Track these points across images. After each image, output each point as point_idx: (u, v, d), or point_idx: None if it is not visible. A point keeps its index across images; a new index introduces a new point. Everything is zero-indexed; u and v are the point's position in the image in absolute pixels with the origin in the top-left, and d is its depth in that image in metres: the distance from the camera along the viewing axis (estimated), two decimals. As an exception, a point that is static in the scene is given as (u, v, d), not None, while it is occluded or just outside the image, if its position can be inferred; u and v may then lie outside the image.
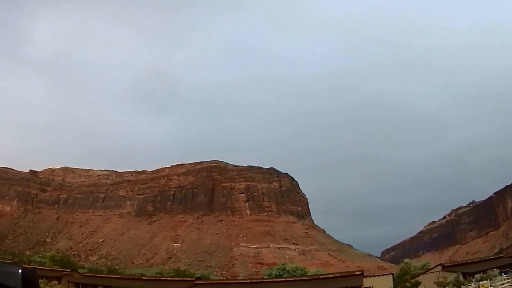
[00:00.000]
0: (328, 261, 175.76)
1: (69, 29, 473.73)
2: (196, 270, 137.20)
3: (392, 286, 69.93)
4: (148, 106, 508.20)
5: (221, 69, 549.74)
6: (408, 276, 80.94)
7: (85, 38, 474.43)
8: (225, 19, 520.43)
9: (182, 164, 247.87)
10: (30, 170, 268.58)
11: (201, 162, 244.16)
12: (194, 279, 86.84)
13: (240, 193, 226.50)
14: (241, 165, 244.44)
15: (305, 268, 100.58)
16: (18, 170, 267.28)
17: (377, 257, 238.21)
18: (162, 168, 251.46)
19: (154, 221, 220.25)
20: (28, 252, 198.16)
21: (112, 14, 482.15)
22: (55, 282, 72.52)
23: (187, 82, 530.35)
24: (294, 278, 77.24)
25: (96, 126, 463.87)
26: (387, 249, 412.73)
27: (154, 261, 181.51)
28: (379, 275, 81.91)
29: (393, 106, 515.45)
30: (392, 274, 79.71)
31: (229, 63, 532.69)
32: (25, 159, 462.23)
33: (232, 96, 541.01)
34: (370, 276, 75.58)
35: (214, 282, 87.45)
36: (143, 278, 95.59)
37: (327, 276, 77.41)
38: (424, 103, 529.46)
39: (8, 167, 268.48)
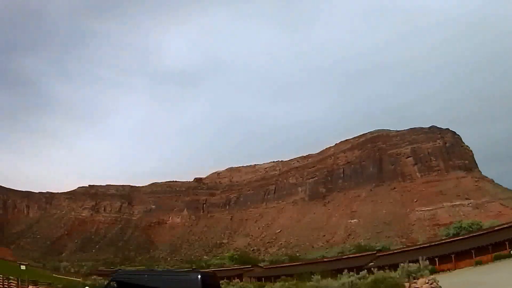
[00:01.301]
0: (500, 212, 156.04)
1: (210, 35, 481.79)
2: (376, 243, 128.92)
3: None
4: (302, 93, 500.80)
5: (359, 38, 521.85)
6: None
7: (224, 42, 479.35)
8: None
9: (346, 140, 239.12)
10: (195, 178, 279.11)
11: (364, 134, 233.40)
12: (375, 252, 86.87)
13: (407, 158, 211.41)
14: (402, 129, 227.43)
15: (480, 222, 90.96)
16: (183, 181, 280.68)
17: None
18: (326, 148, 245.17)
19: (328, 201, 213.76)
20: (205, 256, 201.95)
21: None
22: (236, 280, 72.68)
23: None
24: (470, 235, 72.18)
25: (254, 121, 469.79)
26: None
27: (334, 241, 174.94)
28: None
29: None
30: None
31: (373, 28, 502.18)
32: (188, 170, 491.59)
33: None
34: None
35: (395, 251, 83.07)
36: (324, 260, 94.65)
37: (502, 227, 68.91)
38: None
39: (172, 180, 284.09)
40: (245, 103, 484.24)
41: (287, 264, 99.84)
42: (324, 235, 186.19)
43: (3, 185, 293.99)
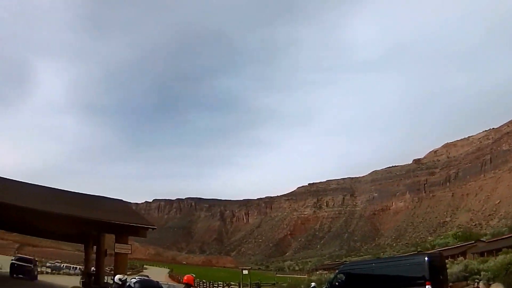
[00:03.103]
0: None
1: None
2: None
3: None
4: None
5: None
6: None
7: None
8: None
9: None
10: (414, 160, 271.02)
11: None
12: None
13: None
14: None
15: None
16: (402, 164, 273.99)
17: None
18: None
19: None
20: (429, 237, 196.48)
21: None
22: (460, 258, 72.16)
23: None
24: None
25: (454, 92, 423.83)
26: None
27: None
28: None
29: None
30: None
31: None
32: (406, 152, 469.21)
33: None
34: None
35: None
36: None
37: None
38: None
39: (392, 165, 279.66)
40: (440, 77, 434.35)
41: (508, 236, 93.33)
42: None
43: (220, 198, 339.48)
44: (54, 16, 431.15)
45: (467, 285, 22.30)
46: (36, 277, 39.97)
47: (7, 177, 29.34)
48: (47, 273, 61.58)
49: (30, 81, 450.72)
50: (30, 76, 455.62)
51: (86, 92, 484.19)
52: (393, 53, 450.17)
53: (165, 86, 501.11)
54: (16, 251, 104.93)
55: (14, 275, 36.82)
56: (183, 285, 13.05)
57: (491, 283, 21.09)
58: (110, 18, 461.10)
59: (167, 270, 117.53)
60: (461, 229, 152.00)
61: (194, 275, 12.22)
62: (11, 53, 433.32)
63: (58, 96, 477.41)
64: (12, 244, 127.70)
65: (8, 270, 38.26)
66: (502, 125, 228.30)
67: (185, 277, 12.76)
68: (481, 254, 74.89)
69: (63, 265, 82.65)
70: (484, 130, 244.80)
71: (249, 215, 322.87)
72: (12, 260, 40.74)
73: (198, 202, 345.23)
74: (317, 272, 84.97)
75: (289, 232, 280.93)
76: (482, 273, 22.18)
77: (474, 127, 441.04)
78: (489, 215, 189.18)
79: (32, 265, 39.30)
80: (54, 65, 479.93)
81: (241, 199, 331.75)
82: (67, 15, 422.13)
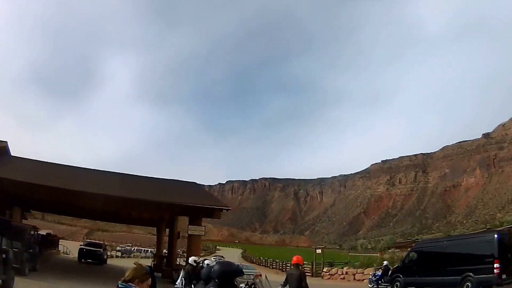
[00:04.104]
0: None
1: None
2: None
3: None
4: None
5: None
6: None
7: None
8: None
9: None
10: (483, 134, 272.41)
11: None
12: None
13: None
14: None
15: None
16: (472, 139, 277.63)
17: None
18: None
19: None
20: (498, 214, 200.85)
21: None
22: None
23: None
24: None
25: None
26: None
27: None
28: None
29: None
30: None
31: None
32: (476, 125, 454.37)
33: None
34: None
35: None
36: None
37: None
38: None
39: (462, 140, 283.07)
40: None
41: None
42: None
43: (293, 177, 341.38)
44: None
45: (537, 264, 19.96)
46: (105, 261, 39.89)
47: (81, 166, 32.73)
48: (117, 256, 61.61)
49: (101, 74, 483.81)
50: (100, 69, 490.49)
51: (158, 82, 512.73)
52: (464, 28, 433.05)
53: (238, 72, 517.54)
54: (85, 237, 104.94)
55: (83, 260, 37.32)
56: (292, 266, 12.01)
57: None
58: (180, 8, 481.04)
59: (240, 250, 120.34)
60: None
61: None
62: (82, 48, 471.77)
63: (131, 87, 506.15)
64: (82, 230, 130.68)
65: (76, 255, 39.14)
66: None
67: (294, 258, 11.60)
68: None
69: (134, 248, 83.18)
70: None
71: (323, 194, 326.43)
72: (80, 245, 41.93)
73: (272, 182, 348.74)
74: (390, 251, 77.23)
75: (362, 211, 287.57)
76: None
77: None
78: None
79: (101, 249, 39.63)
80: (124, 57, 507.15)
81: (315, 178, 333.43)
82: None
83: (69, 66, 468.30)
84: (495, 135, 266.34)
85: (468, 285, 19.81)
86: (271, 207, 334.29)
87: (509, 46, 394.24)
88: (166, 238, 41.46)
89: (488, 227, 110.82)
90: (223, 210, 27.61)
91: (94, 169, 33.12)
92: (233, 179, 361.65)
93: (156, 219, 38.65)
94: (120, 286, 3.73)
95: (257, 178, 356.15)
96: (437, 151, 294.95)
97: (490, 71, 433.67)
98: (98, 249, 39.05)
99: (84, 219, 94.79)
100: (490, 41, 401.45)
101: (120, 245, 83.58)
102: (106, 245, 51.01)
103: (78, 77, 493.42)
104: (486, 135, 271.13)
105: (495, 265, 18.75)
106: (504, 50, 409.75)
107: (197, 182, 39.03)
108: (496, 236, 20.09)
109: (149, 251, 72.87)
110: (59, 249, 50.10)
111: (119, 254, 67.65)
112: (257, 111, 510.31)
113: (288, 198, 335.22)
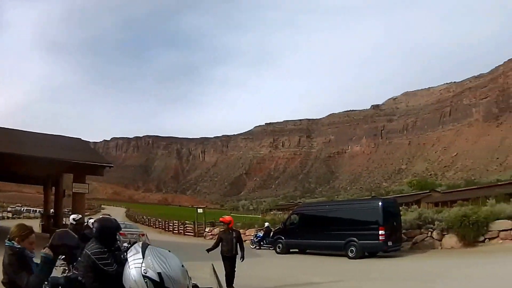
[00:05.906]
0: None
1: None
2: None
3: None
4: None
5: None
6: None
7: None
8: None
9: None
10: (372, 106, 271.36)
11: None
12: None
13: None
14: None
15: None
16: (361, 109, 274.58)
17: None
18: (495, 67, 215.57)
19: (501, 122, 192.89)
20: (384, 183, 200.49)
21: None
22: (414, 206, 69.42)
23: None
24: None
25: (424, 44, 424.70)
26: None
27: (507, 164, 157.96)
28: None
29: None
30: None
31: None
32: (365, 97, 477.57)
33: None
34: None
35: None
36: (499, 184, 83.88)
37: None
38: None
39: (350, 109, 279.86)
40: (416, 29, 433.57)
41: (463, 189, 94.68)
42: (498, 158, 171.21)
43: (176, 136, 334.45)
44: None
45: (421, 233, 22.16)
46: None
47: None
48: (7, 218, 62.51)
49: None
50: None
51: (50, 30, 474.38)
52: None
53: (129, 23, 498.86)
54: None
55: None
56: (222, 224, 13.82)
57: (445, 233, 21.23)
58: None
59: (124, 209, 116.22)
60: (416, 178, 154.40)
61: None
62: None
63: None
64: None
65: None
66: (464, 80, 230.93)
67: (228, 218, 12.53)
68: (436, 204, 74.93)
69: (24, 209, 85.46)
70: (445, 82, 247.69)
71: (206, 153, 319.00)
72: None
73: (155, 140, 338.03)
74: (271, 212, 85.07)
75: (244, 172, 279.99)
76: (436, 223, 21.73)
77: (435, 79, 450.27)
78: (445, 166, 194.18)
79: None
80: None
81: (198, 137, 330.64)
82: None
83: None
84: (385, 107, 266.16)
85: (352, 249, 20.40)
86: (154, 165, 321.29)
87: (407, 19, 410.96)
88: (53, 197, 38.39)
89: (373, 195, 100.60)
90: (106, 168, 27.89)
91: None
92: (118, 136, 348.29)
93: (42, 177, 38.38)
94: (6, 244, 4.05)
95: (141, 136, 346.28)
96: (323, 117, 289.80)
97: (386, 45, 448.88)
98: None
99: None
100: (388, 13, 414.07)
101: (11, 206, 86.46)
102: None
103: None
104: (375, 106, 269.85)
105: (380, 232, 19.46)
106: (402, 27, 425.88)
107: (82, 139, 35.54)
108: (381, 203, 20.65)
109: (37, 211, 72.01)
110: None
111: (9, 215, 68.35)
112: (146, 65, 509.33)
113: (171, 157, 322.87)
